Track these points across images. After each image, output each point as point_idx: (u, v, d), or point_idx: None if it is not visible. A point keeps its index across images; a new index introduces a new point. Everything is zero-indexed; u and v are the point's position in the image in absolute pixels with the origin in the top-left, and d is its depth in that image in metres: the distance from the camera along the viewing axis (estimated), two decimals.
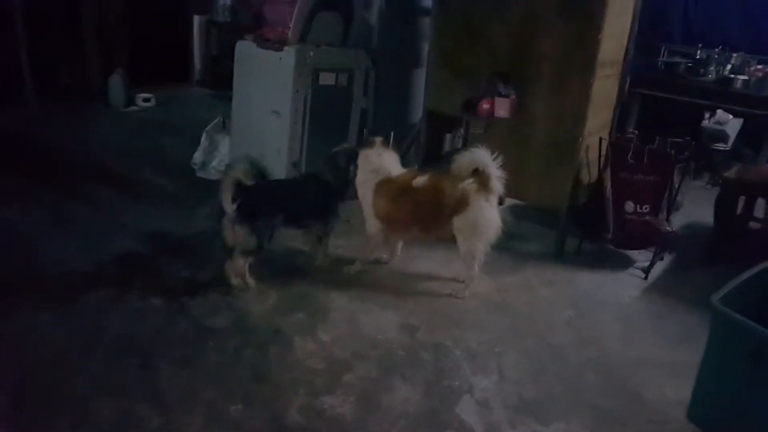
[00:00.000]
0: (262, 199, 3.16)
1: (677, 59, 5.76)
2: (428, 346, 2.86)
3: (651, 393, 2.63)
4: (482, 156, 3.14)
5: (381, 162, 3.30)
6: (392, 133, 3.37)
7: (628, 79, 4.00)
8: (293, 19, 4.08)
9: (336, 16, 4.29)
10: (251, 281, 3.22)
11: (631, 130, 4.12)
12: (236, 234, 3.08)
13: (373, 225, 3.37)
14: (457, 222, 3.16)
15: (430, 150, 4.46)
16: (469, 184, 3.13)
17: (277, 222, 3.22)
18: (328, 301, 3.18)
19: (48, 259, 3.36)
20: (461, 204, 3.13)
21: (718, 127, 5.49)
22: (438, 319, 3.09)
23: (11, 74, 6.09)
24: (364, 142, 3.40)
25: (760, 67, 5.48)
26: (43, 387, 2.43)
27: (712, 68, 5.60)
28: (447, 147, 4.54)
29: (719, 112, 5.51)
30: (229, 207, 3.00)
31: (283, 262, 3.52)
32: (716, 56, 5.63)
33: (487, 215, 3.14)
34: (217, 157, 4.71)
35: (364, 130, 3.48)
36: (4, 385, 2.40)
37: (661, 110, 5.70)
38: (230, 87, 4.60)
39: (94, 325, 2.85)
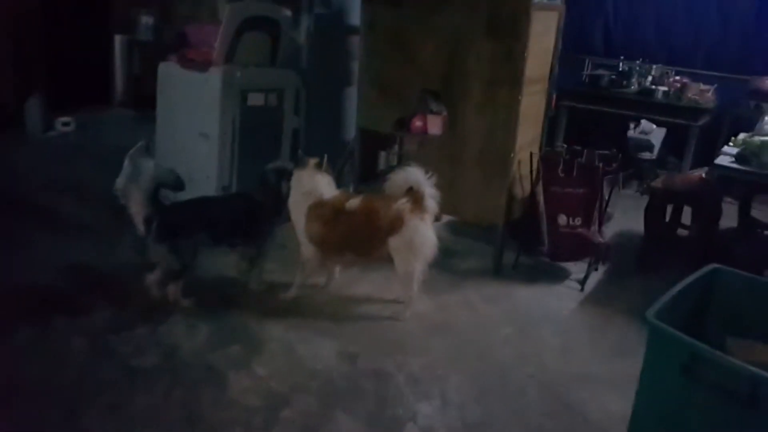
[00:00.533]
0: (182, 216, 3.11)
1: (601, 72, 5.95)
2: (369, 373, 2.78)
3: (594, 409, 2.63)
4: (415, 174, 3.11)
5: (313, 184, 3.21)
6: (326, 155, 3.28)
7: (554, 95, 4.07)
8: (218, 39, 3.95)
9: (263, 35, 4.19)
10: (186, 302, 3.13)
11: (559, 143, 4.21)
12: (155, 253, 2.99)
13: (307, 248, 3.27)
14: (393, 242, 3.11)
15: (364, 168, 4.42)
16: (402, 203, 3.09)
17: (200, 240, 3.10)
18: (263, 331, 3.04)
19: None
20: (396, 224, 3.08)
21: (644, 136, 5.72)
22: (379, 344, 3.01)
23: None
24: (296, 163, 3.30)
25: (677, 78, 5.73)
26: None
27: (634, 80, 5.81)
28: (381, 165, 4.50)
29: (643, 122, 5.74)
30: (140, 224, 2.89)
31: (215, 292, 3.37)
32: (637, 68, 5.84)
33: (423, 234, 3.10)
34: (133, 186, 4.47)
35: (299, 150, 3.39)
36: None
37: (588, 122, 5.89)
38: (153, 108, 4.41)
39: (12, 370, 2.62)
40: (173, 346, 2.86)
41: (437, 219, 3.36)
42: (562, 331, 3.30)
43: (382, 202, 3.13)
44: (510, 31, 3.48)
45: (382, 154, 4.49)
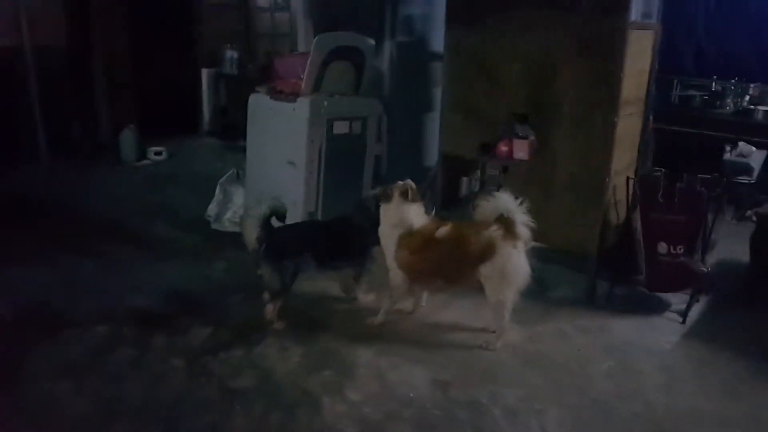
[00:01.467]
0: (288, 238, 3.31)
1: (692, 92, 5.69)
2: (463, 403, 2.69)
3: None
4: (506, 201, 3.04)
5: (401, 215, 3.18)
6: (411, 180, 3.27)
7: (651, 117, 3.91)
8: (306, 70, 4.06)
9: (348, 65, 4.27)
10: (279, 325, 3.24)
11: (656, 168, 4.01)
12: (263, 271, 3.19)
13: (396, 275, 3.24)
14: (484, 270, 3.04)
15: (446, 194, 4.37)
16: (494, 230, 3.01)
17: (304, 261, 3.27)
18: (353, 356, 3.03)
19: (62, 323, 3.24)
20: (487, 252, 3.01)
21: (742, 159, 5.37)
22: (471, 374, 2.92)
23: (24, 132, 6.12)
24: (383, 195, 3.28)
25: None
26: None
27: (729, 100, 5.53)
28: (464, 191, 4.45)
29: (741, 144, 5.39)
30: (252, 245, 3.15)
31: (304, 315, 3.40)
32: (733, 87, 5.56)
33: (515, 262, 3.01)
34: (232, 209, 4.63)
35: (383, 183, 3.41)
36: None
37: (678, 145, 5.60)
38: (238, 137, 4.57)
39: (114, 391, 2.72)
40: (268, 369, 2.89)
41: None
42: (665, 366, 3.09)
43: (473, 228, 3.08)
44: (605, 51, 3.37)
45: (464, 180, 4.44)
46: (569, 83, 3.55)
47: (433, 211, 4.39)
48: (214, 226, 4.62)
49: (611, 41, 3.35)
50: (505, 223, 3.02)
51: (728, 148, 5.52)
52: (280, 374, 2.86)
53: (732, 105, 5.51)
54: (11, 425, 2.51)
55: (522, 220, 3.02)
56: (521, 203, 3.03)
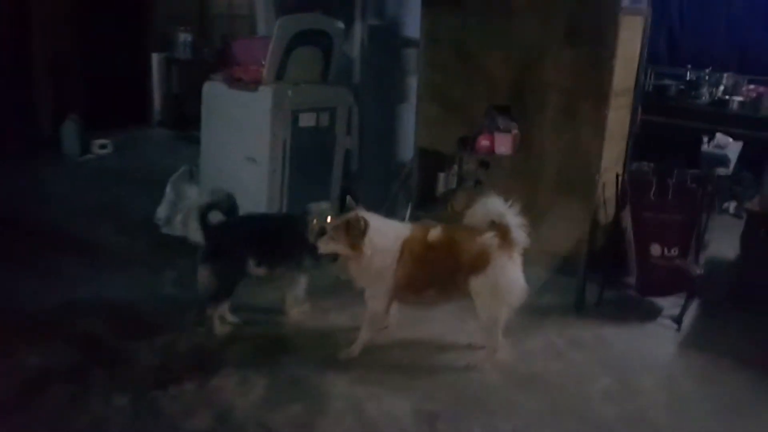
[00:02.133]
0: (228, 234, 3.03)
1: (667, 81, 5.51)
2: None
3: None
4: (497, 205, 2.71)
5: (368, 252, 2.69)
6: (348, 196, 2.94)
7: (640, 108, 3.66)
8: (268, 55, 3.64)
9: (314, 50, 3.88)
10: (220, 329, 2.99)
11: (644, 162, 3.78)
12: (199, 277, 2.96)
13: (383, 301, 2.83)
14: (475, 284, 2.70)
15: (422, 191, 4.04)
16: (489, 238, 2.68)
17: (244, 261, 2.99)
18: (326, 385, 2.67)
19: None
20: (480, 262, 2.68)
21: (719, 151, 5.23)
22: (459, 401, 2.61)
23: None
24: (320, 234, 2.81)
25: (752, 87, 5.27)
26: None
27: (704, 90, 5.38)
28: (440, 188, 4.13)
29: (719, 135, 5.25)
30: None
31: (267, 338, 3.03)
32: (707, 77, 5.41)
33: (511, 276, 2.70)
34: (184, 210, 4.18)
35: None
36: None
37: (655, 136, 5.41)
38: (193, 128, 4.15)
39: None
40: (226, 405, 2.52)
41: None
42: (666, 381, 2.85)
43: (464, 234, 2.75)
44: (595, 38, 3.09)
45: (441, 176, 4.12)
46: (555, 72, 3.27)
47: (409, 210, 4.09)
48: (164, 230, 4.16)
49: (602, 26, 3.07)
50: (499, 230, 2.70)
51: (705, 139, 5.38)
52: (240, 411, 2.48)
53: (707, 95, 5.36)
54: None
55: (516, 223, 2.70)
56: (512, 205, 2.71)
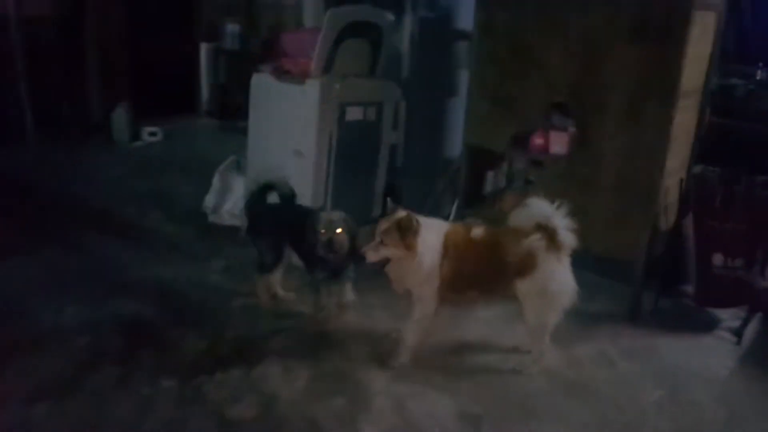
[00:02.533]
0: (272, 216, 3.15)
1: (734, 81, 5.23)
2: None
3: None
4: (543, 207, 2.60)
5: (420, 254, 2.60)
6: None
7: (708, 110, 3.47)
8: (317, 48, 3.60)
9: (364, 43, 3.81)
10: (283, 294, 3.24)
11: (709, 167, 3.59)
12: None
13: (432, 303, 2.72)
14: (523, 287, 2.62)
15: (469, 190, 3.95)
16: (536, 240, 2.58)
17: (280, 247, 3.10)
18: (368, 381, 2.63)
19: (41, 331, 2.86)
20: (527, 265, 2.58)
21: None
22: (504, 406, 2.53)
23: (8, 110, 5.67)
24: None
25: None
26: None
27: None
28: (488, 187, 4.03)
29: None
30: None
31: (311, 332, 3.00)
32: None
33: (560, 279, 2.60)
34: (231, 200, 4.21)
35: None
36: None
37: (720, 139, 5.16)
38: (239, 118, 4.13)
39: (96, 416, 2.35)
40: (271, 394, 2.51)
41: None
42: (724, 397, 2.71)
43: (509, 235, 2.65)
44: (663, 35, 2.94)
45: (490, 175, 4.01)
46: (618, 70, 3.12)
47: (454, 208, 4.00)
48: (211, 218, 4.20)
49: (670, 23, 2.92)
50: (546, 231, 2.60)
51: None
52: (285, 401, 2.47)
53: None
54: None
55: (564, 225, 2.60)
56: (559, 206, 2.60)
